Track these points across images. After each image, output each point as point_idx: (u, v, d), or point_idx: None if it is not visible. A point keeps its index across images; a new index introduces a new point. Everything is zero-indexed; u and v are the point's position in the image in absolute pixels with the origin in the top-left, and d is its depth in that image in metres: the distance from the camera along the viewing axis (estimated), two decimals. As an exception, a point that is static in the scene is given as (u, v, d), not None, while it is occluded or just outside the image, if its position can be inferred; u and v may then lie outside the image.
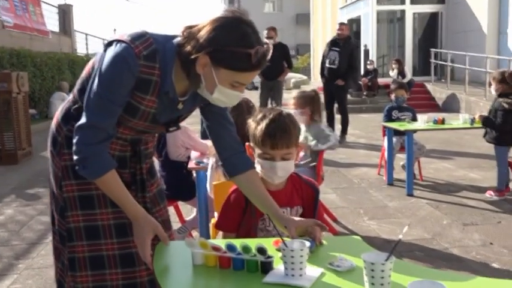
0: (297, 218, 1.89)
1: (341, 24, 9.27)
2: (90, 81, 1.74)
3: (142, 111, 1.78)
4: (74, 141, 1.72)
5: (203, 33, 1.65)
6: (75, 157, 1.73)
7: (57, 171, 1.91)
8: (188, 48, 1.68)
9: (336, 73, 8.88)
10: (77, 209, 1.89)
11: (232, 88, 1.71)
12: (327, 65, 9.03)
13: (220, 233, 2.21)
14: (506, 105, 4.97)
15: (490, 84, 5.48)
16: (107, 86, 1.68)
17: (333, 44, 9.08)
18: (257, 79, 9.88)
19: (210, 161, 3.34)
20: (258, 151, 2.04)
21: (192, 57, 1.67)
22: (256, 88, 9.75)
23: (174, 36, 1.77)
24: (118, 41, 1.71)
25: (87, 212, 1.89)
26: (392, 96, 6.36)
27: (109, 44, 1.73)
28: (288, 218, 1.89)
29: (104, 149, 1.74)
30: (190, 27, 1.71)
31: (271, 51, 1.70)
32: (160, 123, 1.88)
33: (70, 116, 1.88)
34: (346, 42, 8.99)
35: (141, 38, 1.71)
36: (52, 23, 18.19)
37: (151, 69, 1.71)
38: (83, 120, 1.71)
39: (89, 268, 1.91)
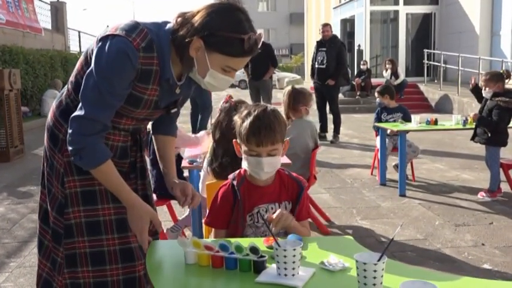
0: (177, 181, 2.10)
1: (324, 25, 9.37)
2: (86, 75, 1.73)
3: (145, 101, 1.81)
4: (70, 131, 1.73)
5: (198, 18, 1.69)
6: (70, 147, 1.73)
7: (59, 168, 1.90)
8: (182, 32, 1.70)
9: (326, 73, 9.02)
10: (79, 205, 1.89)
11: (224, 73, 1.75)
12: (316, 65, 9.19)
13: (213, 232, 2.21)
14: (502, 104, 4.99)
15: (475, 88, 5.48)
16: (107, 80, 1.69)
17: (320, 45, 9.25)
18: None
19: (205, 163, 3.33)
20: (244, 148, 2.05)
21: (186, 40, 1.69)
22: (249, 87, 9.80)
23: (165, 23, 1.79)
24: (113, 35, 1.70)
25: (89, 208, 1.90)
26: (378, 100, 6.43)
27: (103, 39, 1.72)
28: (173, 181, 2.09)
29: (100, 139, 1.76)
30: (184, 13, 1.74)
31: (262, 38, 1.73)
32: (161, 108, 1.92)
33: (70, 114, 1.86)
34: (332, 42, 9.14)
35: (136, 30, 1.71)
36: (45, 20, 18.08)
37: (150, 59, 1.73)
38: (81, 112, 1.71)
39: (90, 264, 1.91)
